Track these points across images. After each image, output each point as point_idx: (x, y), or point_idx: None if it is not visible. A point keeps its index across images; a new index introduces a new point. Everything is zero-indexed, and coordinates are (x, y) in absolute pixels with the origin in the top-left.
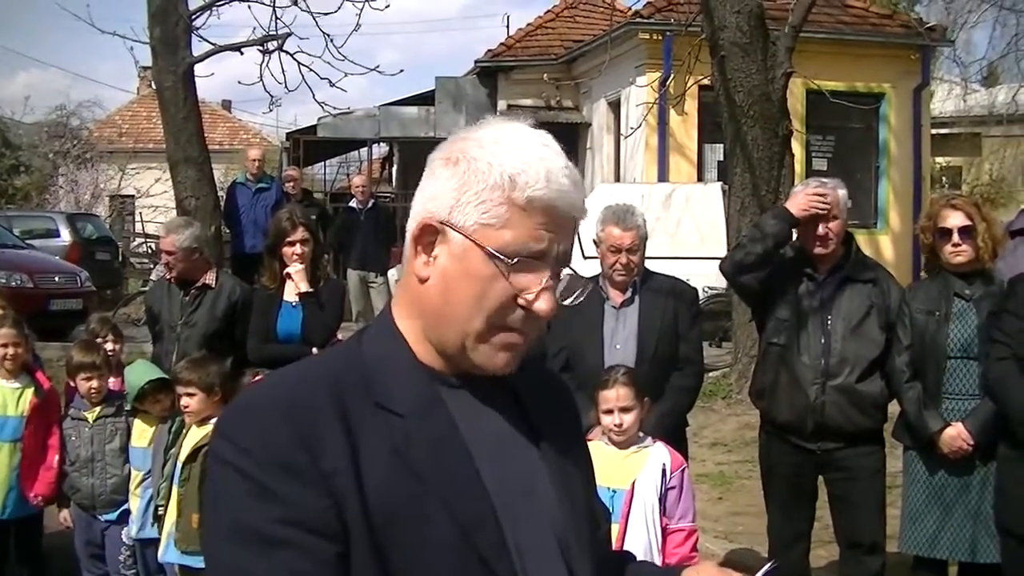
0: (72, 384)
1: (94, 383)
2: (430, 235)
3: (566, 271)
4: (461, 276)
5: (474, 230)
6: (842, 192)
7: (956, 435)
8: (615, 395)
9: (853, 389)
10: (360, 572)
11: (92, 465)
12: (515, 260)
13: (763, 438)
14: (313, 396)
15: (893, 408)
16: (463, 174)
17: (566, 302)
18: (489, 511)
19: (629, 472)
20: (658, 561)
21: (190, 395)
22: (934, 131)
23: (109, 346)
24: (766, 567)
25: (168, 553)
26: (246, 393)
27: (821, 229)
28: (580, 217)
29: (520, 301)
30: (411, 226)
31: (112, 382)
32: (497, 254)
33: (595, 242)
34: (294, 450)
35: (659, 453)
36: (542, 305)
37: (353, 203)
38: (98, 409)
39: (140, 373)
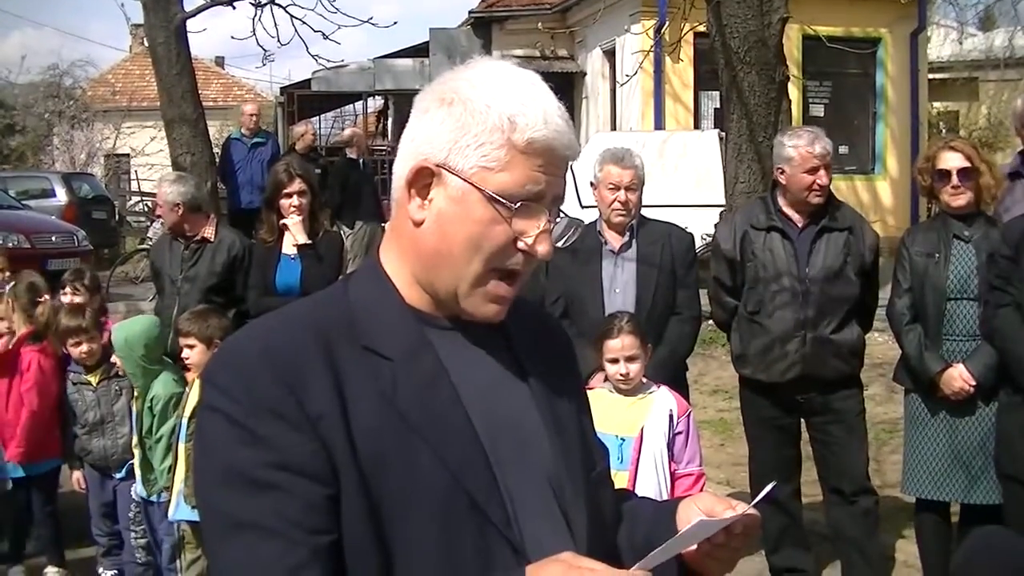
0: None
1: (84, 347)
2: (425, 178)
3: (561, 215)
4: (459, 219)
5: (473, 173)
6: (828, 141)
7: (957, 376)
8: (620, 344)
9: (831, 340)
10: (350, 515)
11: (103, 427)
12: (518, 204)
13: (744, 393)
14: (299, 340)
15: (878, 354)
16: (460, 115)
17: (560, 244)
18: (479, 454)
19: (636, 419)
20: None
21: (190, 347)
22: (931, 76)
23: (75, 299)
24: (765, 490)
25: (179, 510)
26: (232, 340)
27: (823, 178)
28: (573, 158)
29: (519, 245)
30: (403, 169)
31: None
32: (498, 197)
33: (593, 185)
34: (280, 394)
35: (664, 398)
36: (541, 248)
37: None
38: (100, 371)
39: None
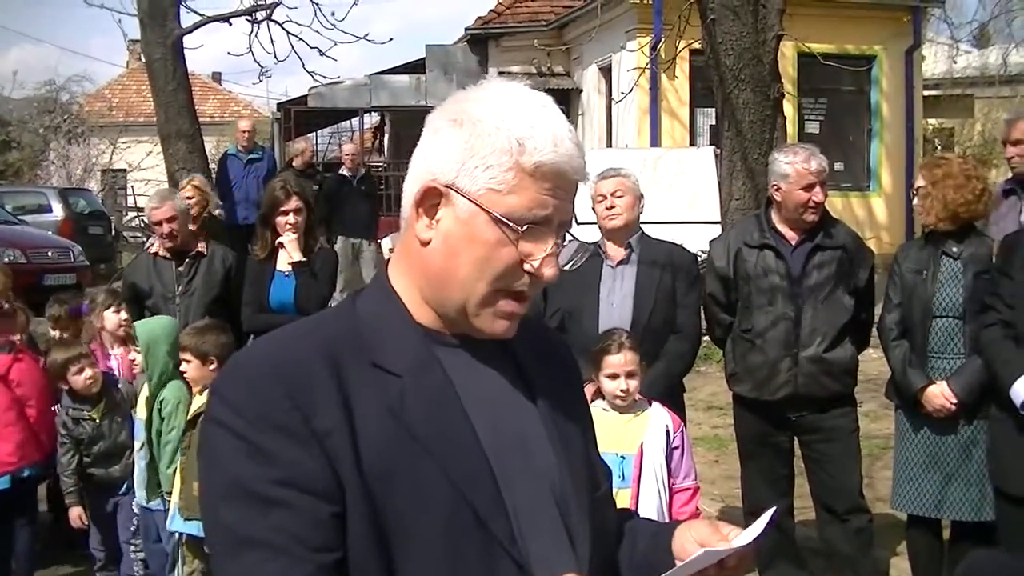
0: (64, 386)
1: (88, 372)
2: (433, 198)
3: (569, 238)
4: (466, 240)
5: (481, 195)
6: (823, 158)
7: (939, 393)
8: (622, 360)
9: (824, 358)
10: (356, 532)
11: (111, 459)
12: (525, 227)
13: (737, 410)
14: (306, 356)
15: (873, 370)
16: (469, 137)
17: (566, 267)
18: (485, 470)
19: (634, 436)
20: (667, 520)
21: (187, 361)
22: (926, 93)
23: (123, 315)
24: (766, 515)
25: (174, 522)
26: (240, 354)
27: (818, 195)
28: (583, 180)
29: (526, 267)
30: (412, 188)
31: (121, 353)
32: (506, 220)
33: (592, 209)
34: (287, 410)
35: (659, 414)
36: (548, 271)
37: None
38: (102, 405)
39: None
